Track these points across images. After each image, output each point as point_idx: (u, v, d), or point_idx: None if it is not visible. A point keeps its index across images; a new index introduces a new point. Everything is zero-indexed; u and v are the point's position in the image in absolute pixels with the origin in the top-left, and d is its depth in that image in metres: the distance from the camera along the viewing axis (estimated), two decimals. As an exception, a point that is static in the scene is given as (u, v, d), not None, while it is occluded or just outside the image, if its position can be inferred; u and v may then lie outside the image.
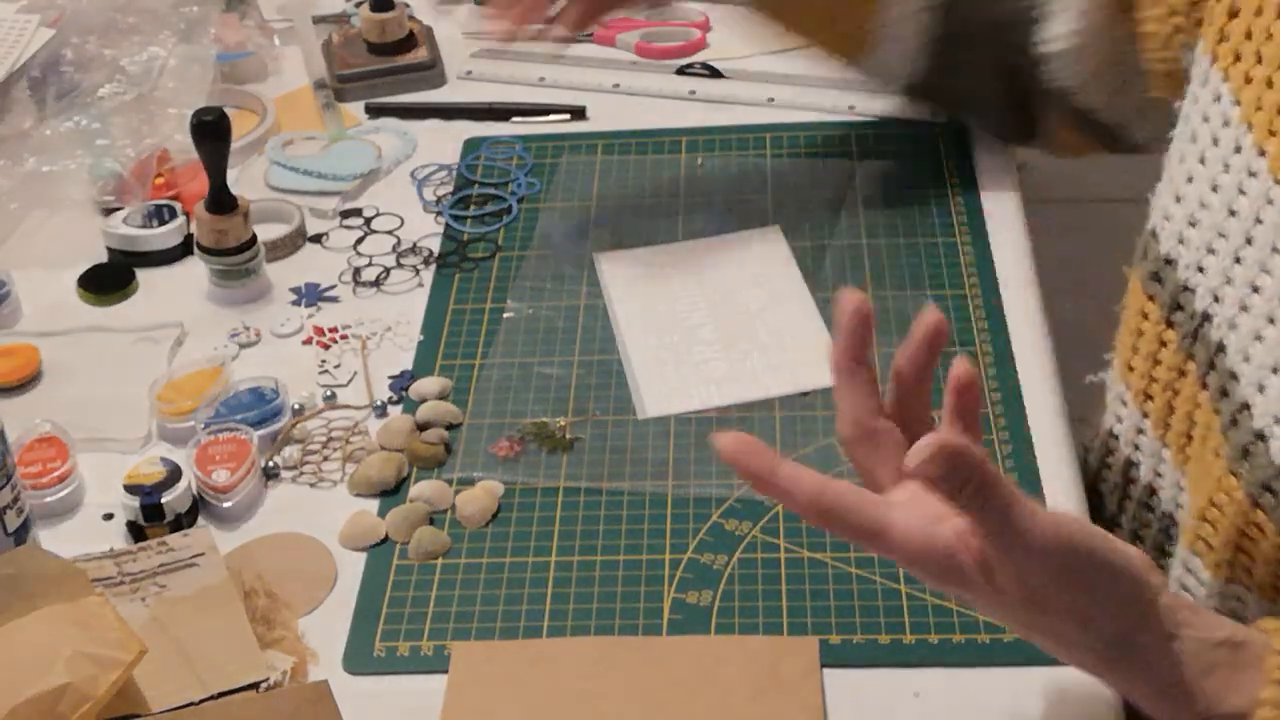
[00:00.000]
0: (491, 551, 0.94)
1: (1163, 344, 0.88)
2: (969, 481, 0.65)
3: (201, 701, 0.80)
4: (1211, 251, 0.83)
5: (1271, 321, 0.78)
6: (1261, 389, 0.78)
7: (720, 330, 1.09)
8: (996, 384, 1.04)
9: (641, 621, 0.89)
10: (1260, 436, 0.77)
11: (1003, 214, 1.18)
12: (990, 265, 1.14)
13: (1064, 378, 1.04)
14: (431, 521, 0.96)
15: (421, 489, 0.98)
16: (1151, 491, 0.92)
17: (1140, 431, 0.92)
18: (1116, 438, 0.95)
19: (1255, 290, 0.80)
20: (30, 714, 0.75)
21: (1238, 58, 0.83)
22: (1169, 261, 0.87)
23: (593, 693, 0.85)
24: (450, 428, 1.03)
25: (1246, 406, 0.79)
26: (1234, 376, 0.80)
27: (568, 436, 1.02)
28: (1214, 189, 0.83)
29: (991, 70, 1.15)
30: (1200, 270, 0.84)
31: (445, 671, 0.87)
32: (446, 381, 1.06)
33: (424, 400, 1.05)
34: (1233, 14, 0.84)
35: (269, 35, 1.42)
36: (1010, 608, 0.69)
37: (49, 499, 0.97)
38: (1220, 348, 0.82)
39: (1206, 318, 0.83)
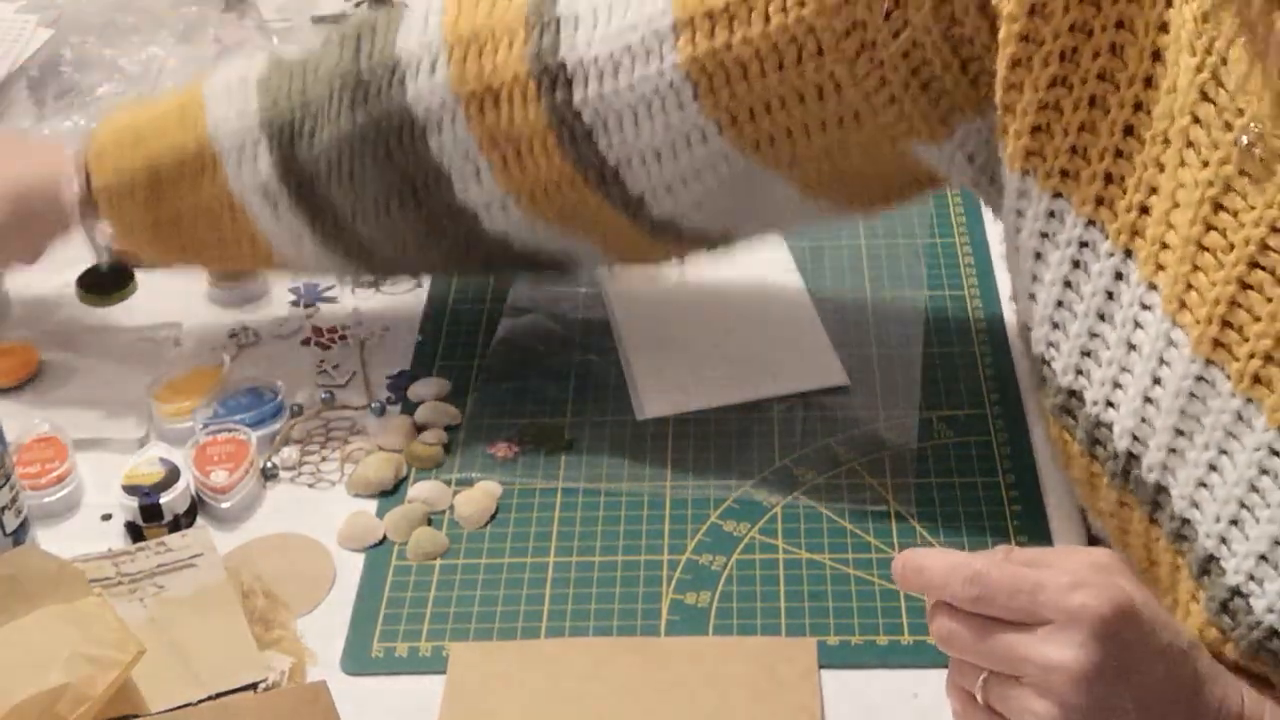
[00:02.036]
0: (490, 552, 0.94)
1: (1092, 474, 0.82)
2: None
3: (200, 702, 0.80)
4: (1118, 386, 0.78)
5: (1214, 469, 0.73)
6: (1224, 541, 0.73)
7: (719, 331, 1.09)
8: (994, 384, 1.04)
9: (640, 622, 0.89)
10: (1238, 593, 0.73)
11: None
12: (990, 265, 1.15)
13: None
14: (430, 522, 0.96)
15: (420, 490, 0.98)
16: None
17: (1105, 538, 0.86)
18: (1088, 524, 0.91)
19: (1181, 434, 0.75)
20: (29, 714, 0.75)
21: (1067, 174, 0.78)
22: (1074, 394, 0.81)
23: (591, 694, 0.85)
24: (449, 428, 1.03)
25: (1214, 559, 0.74)
26: (1189, 522, 0.75)
27: (566, 437, 1.02)
28: (1101, 318, 0.79)
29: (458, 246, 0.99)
30: (1110, 405, 0.79)
31: (443, 672, 0.86)
32: (445, 382, 1.06)
33: (422, 401, 1.05)
34: (1036, 130, 0.79)
35: (269, 35, 1.42)
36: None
37: (47, 499, 0.97)
38: (1161, 489, 0.77)
39: (1133, 457, 0.78)
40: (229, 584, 0.88)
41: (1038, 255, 0.81)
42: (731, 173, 0.91)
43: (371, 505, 0.98)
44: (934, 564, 0.71)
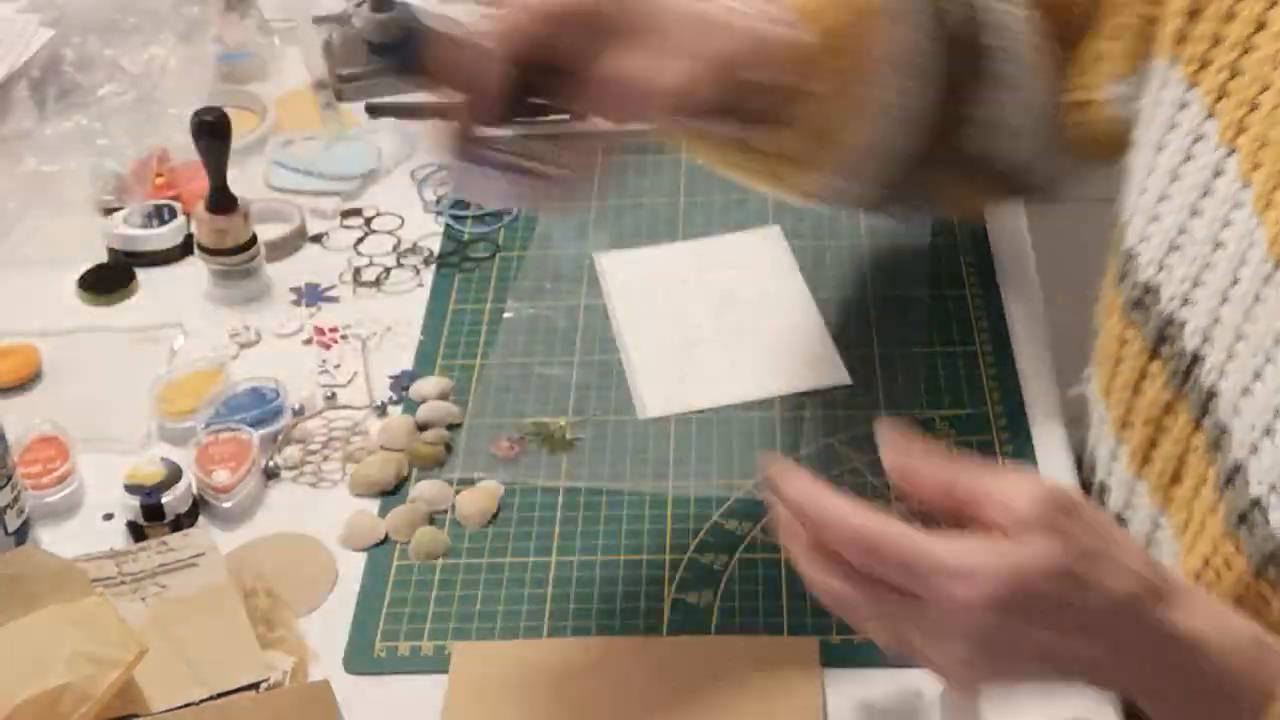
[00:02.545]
0: (491, 552, 0.94)
1: (1144, 376, 0.82)
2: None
3: (202, 701, 0.81)
4: (1199, 284, 0.77)
5: (1258, 377, 0.73)
6: (1255, 451, 0.72)
7: (720, 330, 1.09)
8: (996, 385, 1.04)
9: (642, 621, 0.89)
10: (1258, 505, 0.72)
11: (1002, 214, 1.18)
12: (990, 265, 1.14)
13: (1064, 379, 1.04)
14: (432, 522, 0.96)
15: (422, 489, 0.98)
16: (1121, 522, 0.86)
17: (1115, 459, 0.86)
18: (1094, 456, 0.91)
19: (1240, 338, 0.74)
20: (30, 714, 0.75)
21: (1204, 64, 0.78)
22: (1150, 289, 0.81)
23: (593, 693, 0.85)
24: (450, 428, 1.03)
25: (1240, 468, 0.73)
26: (1226, 431, 0.75)
27: (568, 437, 1.02)
28: (1194, 214, 0.78)
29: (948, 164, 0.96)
30: (1187, 302, 0.78)
31: (445, 672, 0.86)
32: (447, 381, 1.06)
33: (424, 400, 1.05)
34: (1192, 14, 0.80)
35: (270, 35, 1.41)
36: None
37: (49, 499, 0.97)
38: (1213, 394, 0.76)
39: (1197, 358, 0.77)
40: (231, 584, 0.88)
41: (1159, 148, 0.82)
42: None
43: (373, 505, 0.98)
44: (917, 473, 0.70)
